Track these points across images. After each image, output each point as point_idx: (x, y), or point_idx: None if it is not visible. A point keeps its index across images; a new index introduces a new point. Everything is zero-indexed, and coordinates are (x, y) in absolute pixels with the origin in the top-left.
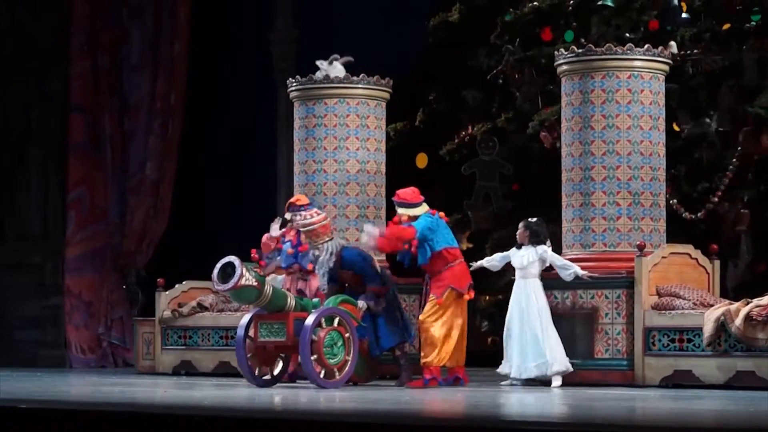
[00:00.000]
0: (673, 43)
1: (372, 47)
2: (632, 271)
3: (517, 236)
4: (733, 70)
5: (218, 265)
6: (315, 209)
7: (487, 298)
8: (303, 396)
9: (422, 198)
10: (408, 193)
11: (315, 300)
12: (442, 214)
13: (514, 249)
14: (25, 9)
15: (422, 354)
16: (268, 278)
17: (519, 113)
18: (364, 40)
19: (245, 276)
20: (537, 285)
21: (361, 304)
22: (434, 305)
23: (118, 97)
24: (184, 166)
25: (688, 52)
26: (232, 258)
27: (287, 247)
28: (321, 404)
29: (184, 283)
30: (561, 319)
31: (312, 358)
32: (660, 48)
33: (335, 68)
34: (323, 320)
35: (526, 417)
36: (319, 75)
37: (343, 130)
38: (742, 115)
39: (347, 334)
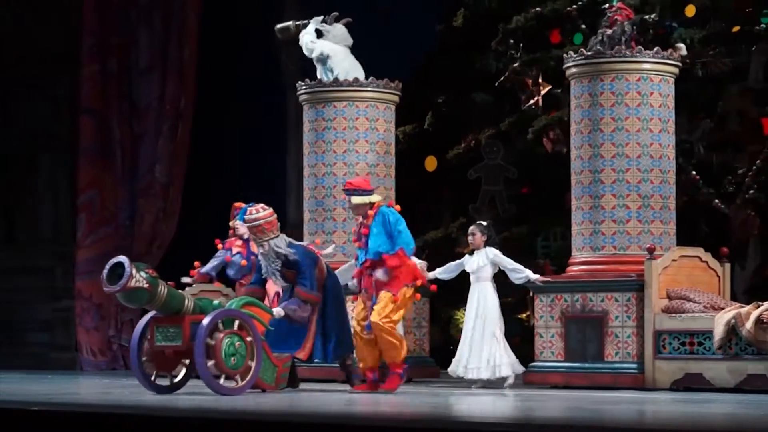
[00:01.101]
0: (682, 45)
1: (381, 50)
2: (642, 274)
3: (473, 240)
4: (743, 72)
5: (108, 266)
6: (261, 205)
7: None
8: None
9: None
10: (361, 181)
11: (216, 302)
12: (398, 207)
13: (467, 256)
14: (34, 13)
15: (385, 356)
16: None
17: (524, 117)
18: (373, 44)
19: (135, 277)
20: (489, 288)
21: (277, 312)
22: (389, 303)
23: (127, 100)
24: (193, 168)
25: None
26: (122, 258)
27: (238, 259)
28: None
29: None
30: (571, 322)
31: (210, 363)
32: (669, 50)
33: (336, 28)
34: (221, 323)
35: (533, 420)
36: (312, 37)
37: (352, 133)
38: (751, 118)
39: (249, 338)
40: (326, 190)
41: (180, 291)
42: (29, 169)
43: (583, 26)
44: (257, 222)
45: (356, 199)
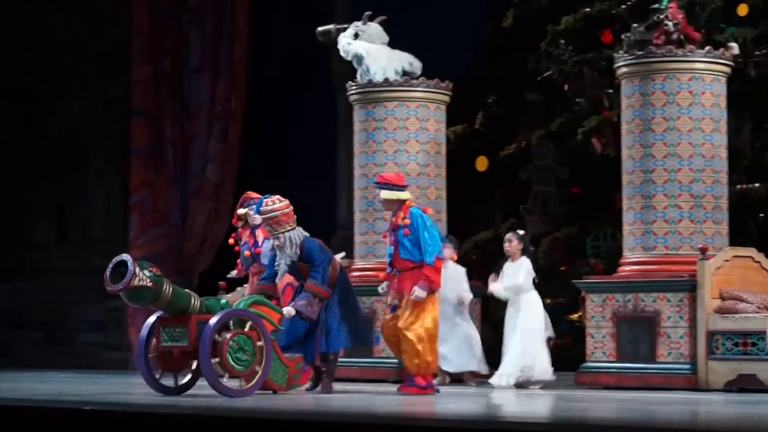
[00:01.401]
0: (734, 44)
1: (432, 50)
2: (695, 274)
3: (509, 247)
4: None
5: (111, 264)
6: (277, 196)
7: (549, 301)
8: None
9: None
10: (393, 176)
11: (223, 301)
12: (430, 211)
13: (508, 263)
14: (87, 16)
15: (410, 362)
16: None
17: (574, 117)
18: (424, 44)
19: (138, 276)
20: (532, 297)
21: (287, 311)
22: (412, 308)
23: (178, 101)
24: (244, 169)
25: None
26: (125, 256)
27: (244, 249)
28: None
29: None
30: (623, 322)
31: (214, 360)
32: (721, 50)
33: (370, 27)
34: (231, 323)
35: (586, 421)
36: (349, 39)
37: (402, 133)
38: None
39: (260, 342)
40: (376, 191)
41: (187, 290)
42: (82, 170)
43: (635, 25)
44: (273, 213)
45: (385, 194)
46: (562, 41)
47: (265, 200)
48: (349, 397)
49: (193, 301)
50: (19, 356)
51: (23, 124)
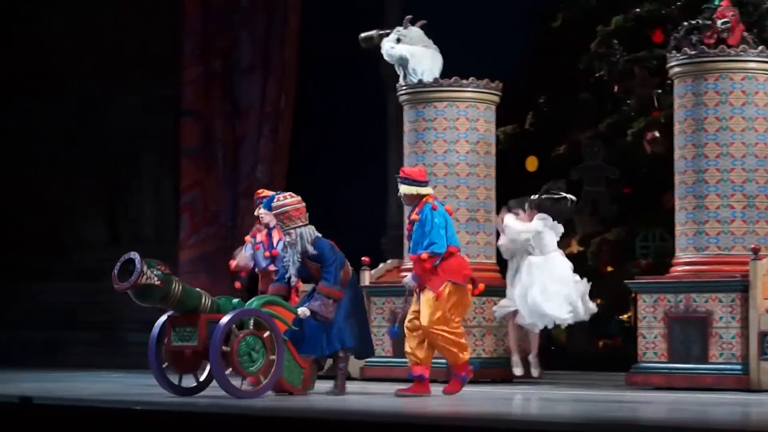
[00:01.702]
0: None
1: (482, 50)
2: (747, 274)
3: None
4: None
5: (119, 262)
6: (289, 192)
7: (599, 301)
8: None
9: (427, 179)
10: (414, 171)
11: (235, 300)
12: (449, 208)
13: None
14: (138, 17)
15: (445, 357)
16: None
17: (625, 117)
18: (473, 44)
19: (146, 274)
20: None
21: (302, 311)
22: (432, 303)
23: (229, 101)
24: (294, 169)
25: None
26: (133, 254)
27: (263, 251)
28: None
29: (387, 263)
30: (674, 322)
31: (224, 348)
32: None
33: (411, 31)
34: (251, 322)
35: (637, 421)
36: (392, 44)
37: (452, 133)
38: None
39: (273, 356)
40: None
41: (197, 289)
42: (133, 170)
43: (686, 23)
44: (285, 208)
45: (404, 188)
46: (615, 41)
47: (276, 195)
48: (358, 398)
49: (203, 300)
50: (72, 356)
51: (76, 125)
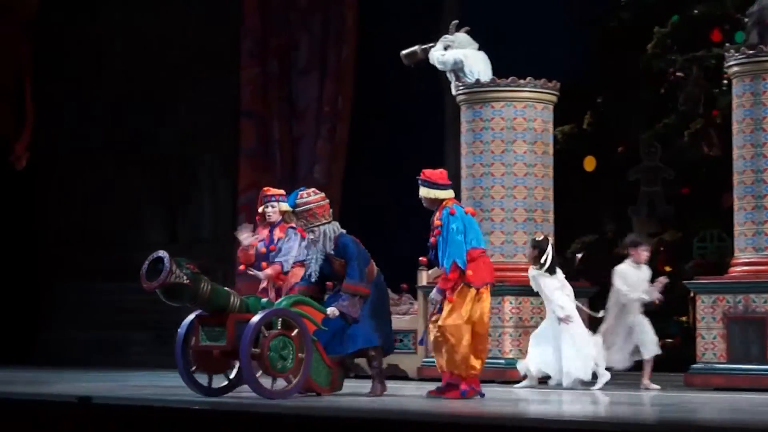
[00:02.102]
0: None
1: (540, 50)
2: None
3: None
4: None
5: (147, 261)
6: (312, 189)
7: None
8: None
9: (450, 182)
10: (433, 173)
11: (264, 300)
12: (471, 209)
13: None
14: (197, 17)
15: (447, 364)
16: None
17: (683, 117)
18: (531, 43)
19: (174, 273)
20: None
21: (331, 311)
22: (449, 306)
23: (286, 102)
24: (351, 169)
25: None
26: (161, 253)
27: (260, 247)
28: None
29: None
30: (733, 323)
31: (255, 364)
32: None
33: (458, 36)
34: (280, 322)
35: (695, 422)
36: (441, 51)
37: (510, 133)
38: None
39: (301, 354)
40: (484, 191)
41: (226, 288)
42: (191, 171)
43: (746, 19)
44: (308, 206)
45: (422, 191)
46: (669, 41)
47: (299, 193)
48: (391, 399)
49: (233, 299)
50: (130, 356)
51: (135, 126)
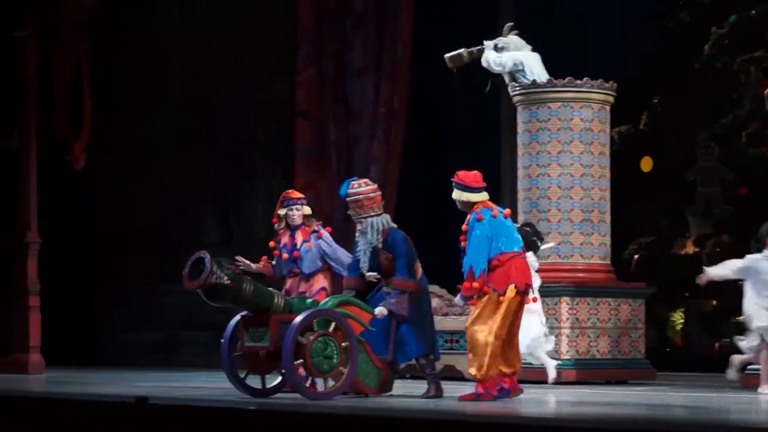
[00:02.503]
0: None
1: (597, 51)
2: None
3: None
4: None
5: (189, 261)
6: (365, 180)
7: (714, 302)
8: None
9: (484, 185)
10: (469, 176)
11: (309, 300)
12: (508, 211)
13: None
14: (253, 20)
15: (469, 364)
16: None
17: (740, 118)
18: (588, 44)
19: (216, 273)
20: None
21: (379, 311)
22: (474, 309)
23: (342, 103)
24: (407, 170)
25: None
26: (203, 253)
27: (283, 252)
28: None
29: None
30: None
31: (297, 362)
32: None
33: (512, 39)
34: (315, 323)
35: (748, 424)
36: (496, 53)
37: (566, 134)
38: None
39: (345, 343)
40: (540, 191)
41: (270, 289)
42: (246, 172)
43: None
44: (358, 196)
45: (455, 193)
46: (726, 41)
47: (352, 182)
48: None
49: (276, 300)
50: (187, 356)
51: (190, 126)
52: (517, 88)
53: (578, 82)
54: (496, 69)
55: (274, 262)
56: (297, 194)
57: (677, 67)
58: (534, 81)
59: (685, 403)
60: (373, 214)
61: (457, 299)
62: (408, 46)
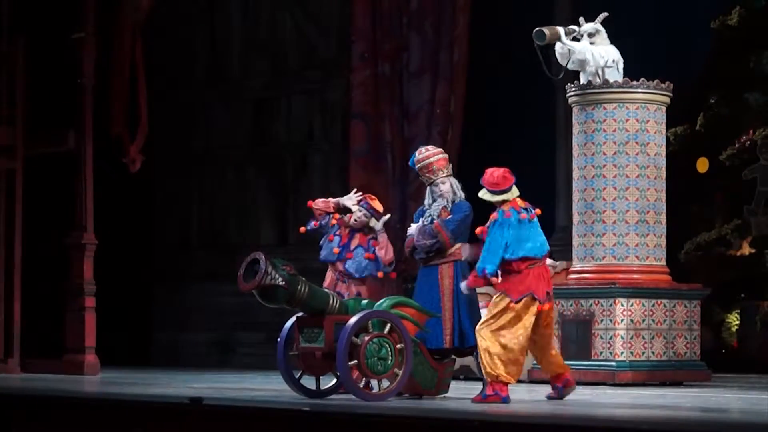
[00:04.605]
0: None
1: (652, 51)
2: None
3: None
4: None
5: (244, 263)
6: (430, 145)
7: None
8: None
9: (511, 181)
10: (495, 176)
11: (364, 301)
12: (537, 211)
13: None
14: (308, 21)
15: (483, 366)
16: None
17: None
18: (644, 45)
19: (270, 274)
20: None
21: (464, 286)
22: (488, 310)
23: (398, 104)
24: (463, 171)
25: None
26: (258, 254)
27: (335, 244)
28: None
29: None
30: None
31: (351, 363)
32: None
33: (602, 33)
34: (370, 324)
35: None
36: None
37: (622, 134)
38: None
39: (400, 345)
40: (596, 193)
41: (325, 290)
42: (301, 173)
43: None
44: (429, 160)
45: (482, 194)
46: None
47: (417, 151)
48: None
49: (331, 301)
50: (242, 357)
51: (246, 127)
52: (572, 89)
53: (634, 83)
54: (600, 61)
55: (322, 222)
56: (378, 205)
57: (734, 68)
58: (589, 81)
59: (741, 405)
60: (447, 173)
61: (463, 286)
62: (465, 46)
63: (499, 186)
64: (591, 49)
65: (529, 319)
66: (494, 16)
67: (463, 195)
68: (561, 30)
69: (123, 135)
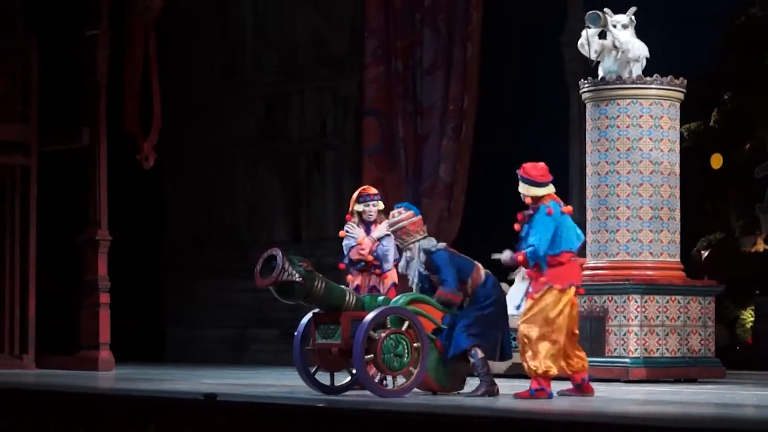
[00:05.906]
0: None
1: (666, 47)
2: None
3: None
4: None
5: (261, 259)
6: (403, 206)
7: None
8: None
9: (550, 178)
10: (536, 169)
11: (381, 297)
12: (569, 208)
13: None
14: (321, 17)
15: (525, 361)
16: None
17: None
18: (657, 40)
19: (287, 270)
20: None
21: (508, 256)
22: (530, 304)
23: (411, 100)
24: (476, 167)
25: None
26: (275, 251)
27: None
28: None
29: None
30: None
31: (368, 358)
32: None
33: (625, 17)
34: (388, 320)
35: None
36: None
37: (636, 130)
38: None
39: (417, 343)
40: (609, 189)
41: (341, 286)
42: (314, 169)
43: None
44: (401, 224)
45: (521, 187)
46: None
47: (391, 213)
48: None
49: (348, 297)
50: (256, 353)
51: (259, 123)
52: (586, 85)
53: (648, 79)
54: (633, 54)
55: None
56: (373, 190)
57: (748, 64)
58: (602, 77)
59: (756, 401)
60: (419, 237)
61: (507, 255)
62: (478, 42)
63: (545, 178)
64: (634, 42)
65: (571, 310)
66: (507, 11)
67: (441, 246)
68: (608, 17)
69: (136, 132)
